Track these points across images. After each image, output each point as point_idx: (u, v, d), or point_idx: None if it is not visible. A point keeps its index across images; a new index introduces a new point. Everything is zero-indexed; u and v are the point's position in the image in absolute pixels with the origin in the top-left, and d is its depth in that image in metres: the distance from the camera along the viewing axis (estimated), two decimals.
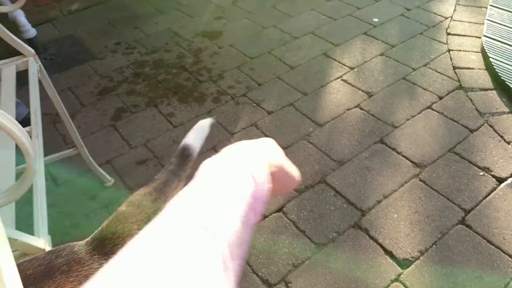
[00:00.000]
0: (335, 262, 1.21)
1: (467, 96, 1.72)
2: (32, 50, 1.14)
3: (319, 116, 1.71)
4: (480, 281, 1.13)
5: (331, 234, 1.28)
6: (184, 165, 0.77)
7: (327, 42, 2.13)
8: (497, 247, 1.20)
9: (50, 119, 1.79)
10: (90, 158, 1.44)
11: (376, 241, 1.25)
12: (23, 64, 1.12)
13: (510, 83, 1.70)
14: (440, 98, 1.73)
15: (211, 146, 1.62)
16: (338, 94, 1.81)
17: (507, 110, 1.63)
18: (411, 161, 1.48)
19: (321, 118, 1.70)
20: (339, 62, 1.99)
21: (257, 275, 1.21)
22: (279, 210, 1.37)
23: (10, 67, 1.10)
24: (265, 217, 1.35)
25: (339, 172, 1.47)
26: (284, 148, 1.58)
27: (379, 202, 1.35)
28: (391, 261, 1.20)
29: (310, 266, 1.21)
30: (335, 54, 2.05)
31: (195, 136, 0.83)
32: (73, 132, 1.35)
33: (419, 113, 1.67)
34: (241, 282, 1.19)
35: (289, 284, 1.18)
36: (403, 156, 1.50)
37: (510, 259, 1.17)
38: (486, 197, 1.33)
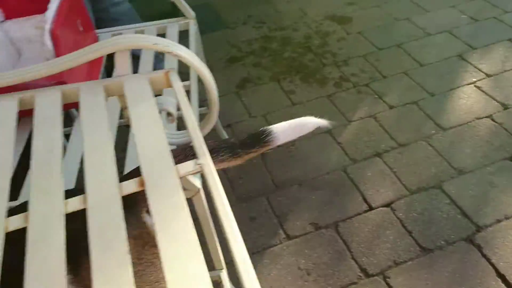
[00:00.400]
0: (440, 270, 1.18)
1: None
2: (193, 13, 1.26)
3: (444, 119, 1.63)
4: None
5: (439, 242, 1.25)
6: (252, 147, 0.66)
7: (464, 44, 2.00)
8: None
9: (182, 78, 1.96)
10: (218, 119, 1.56)
11: (488, 260, 1.19)
12: (185, 25, 1.25)
13: None
14: None
15: (326, 129, 1.65)
16: (469, 100, 1.70)
17: None
18: None
19: (446, 122, 1.62)
20: (475, 67, 1.86)
21: (356, 262, 1.23)
22: (388, 205, 1.36)
23: (174, 27, 1.24)
24: (371, 208, 1.36)
25: (458, 181, 1.40)
26: (401, 145, 1.55)
27: (499, 221, 1.28)
28: (503, 285, 1.14)
29: (412, 267, 1.20)
30: (471, 57, 1.92)
31: (288, 129, 0.71)
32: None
33: None
34: (339, 265, 1.23)
35: (388, 279, 1.18)
36: None
37: None
38: None
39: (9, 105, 0.58)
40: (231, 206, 0.41)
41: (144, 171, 0.46)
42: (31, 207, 0.44)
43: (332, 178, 1.47)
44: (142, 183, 0.45)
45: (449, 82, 1.80)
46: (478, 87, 1.76)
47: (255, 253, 1.28)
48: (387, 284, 1.17)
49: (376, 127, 1.64)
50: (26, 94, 0.59)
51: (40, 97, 0.59)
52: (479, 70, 1.85)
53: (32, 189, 0.46)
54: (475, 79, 1.80)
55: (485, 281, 1.15)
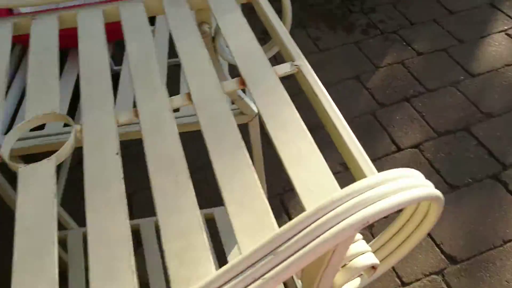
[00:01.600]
0: (466, 204, 1.25)
1: None
2: None
3: (473, 66, 1.64)
4: None
5: (466, 179, 1.30)
6: None
7: None
8: None
9: None
10: None
11: None
12: None
13: None
14: None
15: (354, 75, 1.67)
16: (499, 48, 1.70)
17: None
18: None
19: (475, 68, 1.63)
20: (507, 15, 1.84)
21: None
22: (416, 146, 1.41)
23: None
24: (400, 149, 1.41)
25: (485, 124, 1.44)
26: (430, 91, 1.58)
27: None
28: None
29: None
30: (503, 5, 1.89)
31: None
32: None
33: None
34: None
35: None
36: None
37: None
38: None
39: (95, 16, 0.61)
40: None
41: (242, 72, 0.50)
42: (139, 104, 0.48)
43: (361, 121, 1.51)
44: (242, 82, 0.49)
45: (480, 29, 1.79)
46: (509, 35, 1.76)
47: None
48: None
49: (404, 73, 1.66)
50: (110, 6, 0.62)
51: (124, 7, 0.61)
52: (511, 18, 1.83)
53: (136, 88, 0.50)
54: (506, 27, 1.79)
55: (510, 213, 1.21)
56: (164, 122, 0.45)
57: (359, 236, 0.41)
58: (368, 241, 0.44)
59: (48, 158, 0.44)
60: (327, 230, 0.30)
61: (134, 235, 0.87)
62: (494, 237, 1.18)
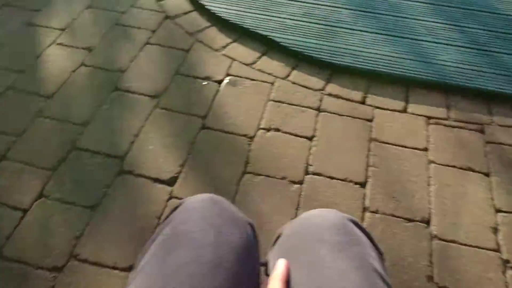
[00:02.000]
0: (115, 212, 1.24)
1: (175, 23, 1.87)
2: None
3: (46, 88, 1.59)
4: (230, 164, 1.36)
5: (101, 191, 1.29)
6: None
7: (27, 10, 1.93)
8: (233, 133, 1.45)
9: None
10: None
11: (143, 176, 1.33)
12: None
13: (202, 1, 1.92)
14: (153, 32, 1.83)
15: None
16: (58, 59, 1.70)
17: (208, 24, 1.86)
18: (148, 95, 1.57)
19: (49, 89, 1.59)
20: (47, 27, 1.85)
21: (42, 268, 1.13)
22: (39, 196, 1.28)
23: None
24: (26, 210, 1.25)
25: (87, 133, 1.44)
26: (19, 134, 1.44)
27: (132, 143, 1.42)
28: (161, 185, 1.31)
29: (92, 229, 1.21)
30: (40, 20, 1.88)
31: None
32: None
33: (140, 51, 1.74)
34: (24, 285, 1.11)
35: (78, 256, 1.16)
36: (139, 94, 1.57)
37: (244, 137, 1.44)
38: (213, 100, 1.55)
39: None
40: None
41: None
42: None
43: None
44: None
45: (32, 51, 1.73)
46: (60, 44, 1.78)
47: None
48: (80, 260, 1.15)
49: None
50: None
51: None
52: (53, 28, 1.85)
53: None
54: (53, 38, 1.80)
55: (149, 192, 1.29)
56: None
57: None
58: None
59: None
60: None
61: None
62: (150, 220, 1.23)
